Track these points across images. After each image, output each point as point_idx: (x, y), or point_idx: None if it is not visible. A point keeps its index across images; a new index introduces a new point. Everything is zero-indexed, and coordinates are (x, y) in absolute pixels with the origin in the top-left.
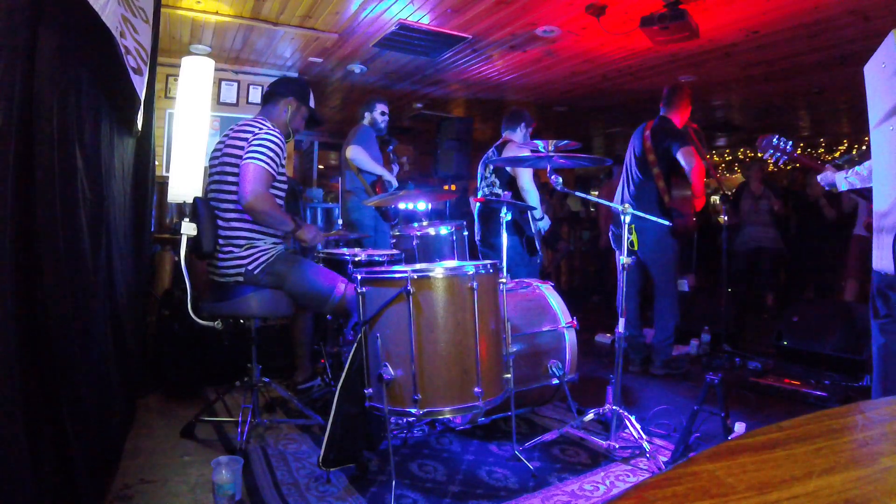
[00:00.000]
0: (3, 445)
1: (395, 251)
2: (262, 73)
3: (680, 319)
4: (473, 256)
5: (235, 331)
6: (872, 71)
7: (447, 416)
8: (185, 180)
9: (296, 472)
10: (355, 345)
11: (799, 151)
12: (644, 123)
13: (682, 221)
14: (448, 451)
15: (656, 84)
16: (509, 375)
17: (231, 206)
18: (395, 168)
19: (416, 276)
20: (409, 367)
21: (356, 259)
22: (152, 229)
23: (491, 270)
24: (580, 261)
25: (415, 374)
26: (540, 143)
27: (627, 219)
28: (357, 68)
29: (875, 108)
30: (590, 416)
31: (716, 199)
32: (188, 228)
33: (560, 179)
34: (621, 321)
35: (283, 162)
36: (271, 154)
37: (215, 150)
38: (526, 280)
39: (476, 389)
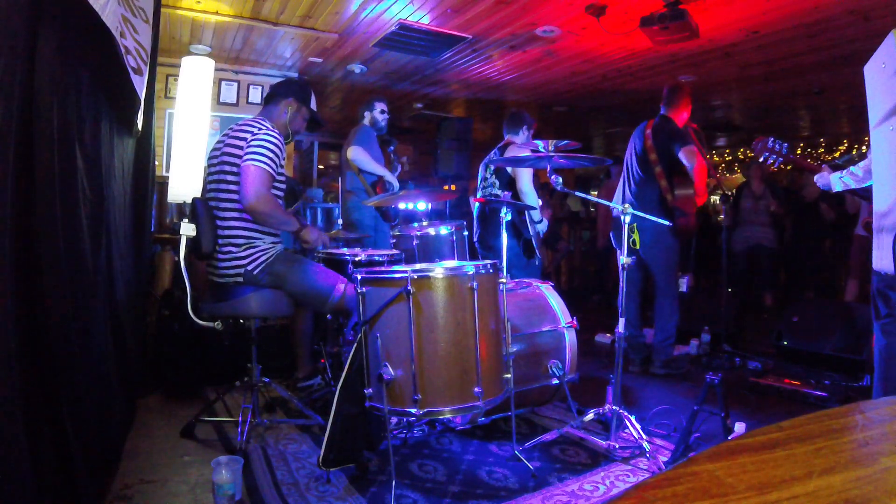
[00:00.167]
0: (3, 445)
1: (395, 251)
2: (262, 73)
3: (680, 319)
4: (473, 257)
5: (235, 331)
6: (872, 71)
7: (447, 416)
8: (184, 180)
9: (296, 472)
10: (355, 345)
11: (798, 152)
12: (644, 123)
13: (685, 221)
14: (448, 451)
15: (656, 84)
16: (509, 375)
17: (230, 206)
18: (397, 168)
19: (416, 276)
20: (409, 367)
21: (356, 259)
22: (152, 229)
23: (491, 270)
24: (580, 261)
25: (415, 374)
26: (540, 144)
27: (627, 219)
28: (357, 68)
29: (875, 108)
30: (590, 416)
31: (715, 199)
32: (187, 229)
33: (560, 179)
34: (621, 321)
35: (283, 162)
36: (271, 155)
37: (214, 150)
38: (526, 280)
39: (476, 389)
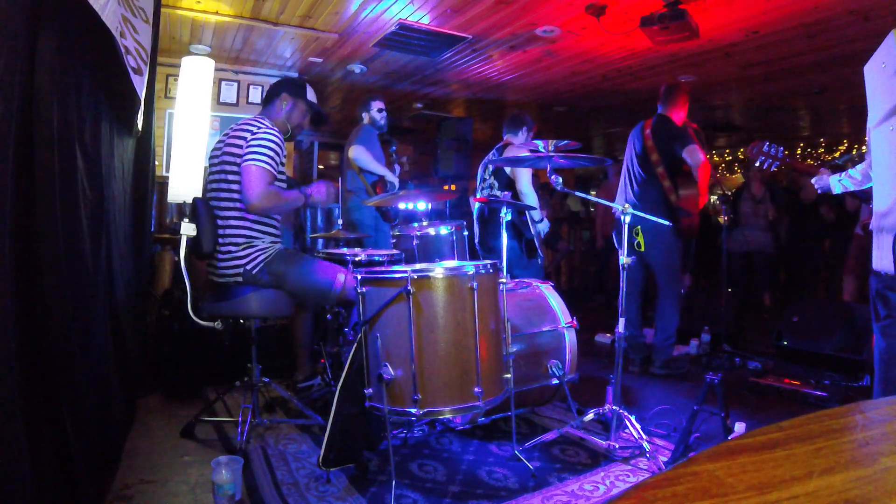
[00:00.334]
0: (3, 445)
1: (395, 251)
2: (262, 73)
3: (680, 319)
4: (474, 257)
5: (235, 331)
6: (872, 71)
7: (447, 416)
8: (185, 180)
9: (296, 472)
10: (355, 345)
11: (798, 153)
12: (642, 122)
13: (689, 220)
14: (448, 451)
15: (656, 84)
16: (509, 375)
17: (230, 206)
18: (397, 169)
19: (416, 276)
20: (409, 367)
21: (356, 259)
22: (152, 229)
23: (491, 270)
24: (580, 261)
25: (415, 374)
26: (540, 144)
27: (627, 219)
28: (357, 68)
29: (875, 108)
30: (590, 416)
31: (715, 199)
32: (187, 229)
33: (560, 179)
34: (621, 321)
35: (283, 161)
36: (270, 153)
37: (214, 150)
38: (526, 280)
39: (476, 389)
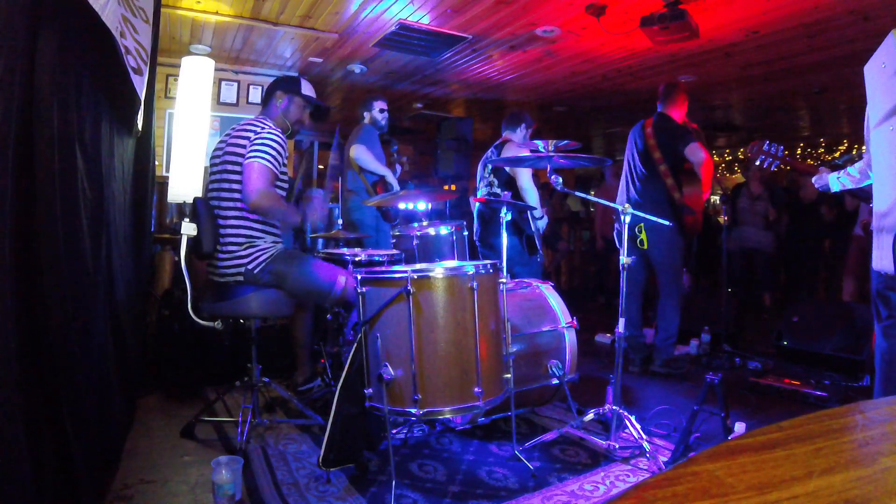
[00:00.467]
0: (3, 445)
1: (395, 251)
2: (262, 73)
3: (680, 319)
4: (473, 257)
5: (235, 331)
6: (872, 71)
7: (447, 416)
8: (185, 180)
9: (296, 472)
10: (355, 345)
11: (798, 152)
12: (642, 122)
13: (692, 218)
14: (448, 451)
15: (656, 84)
16: (509, 375)
17: (231, 206)
18: (398, 169)
19: (416, 276)
20: (409, 367)
21: (356, 259)
22: (152, 229)
23: (491, 270)
24: (580, 261)
25: (415, 374)
26: (540, 143)
27: (627, 219)
28: (357, 68)
29: (875, 108)
30: (590, 416)
31: (715, 198)
32: (188, 228)
33: (560, 179)
34: (621, 321)
35: (285, 161)
36: (273, 153)
37: (216, 150)
38: (526, 280)
39: (476, 389)
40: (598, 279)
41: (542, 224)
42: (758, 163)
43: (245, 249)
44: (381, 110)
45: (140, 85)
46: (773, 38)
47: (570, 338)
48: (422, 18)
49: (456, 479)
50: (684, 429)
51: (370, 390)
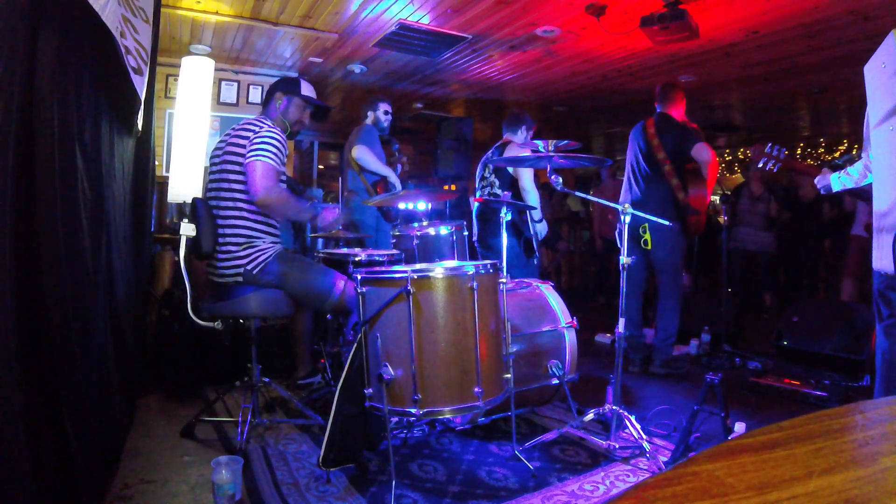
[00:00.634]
0: (3, 445)
1: (394, 251)
2: (262, 73)
3: (680, 319)
4: (473, 257)
5: (235, 331)
6: (872, 71)
7: (447, 416)
8: (185, 180)
9: (296, 472)
10: (355, 345)
11: (798, 152)
12: (643, 122)
13: (697, 218)
14: (448, 451)
15: (656, 84)
16: (509, 375)
17: (230, 206)
18: (398, 168)
19: (416, 276)
20: (409, 367)
21: (356, 259)
22: (152, 229)
23: (491, 270)
24: (580, 261)
25: (415, 374)
26: (540, 143)
27: (628, 219)
28: (357, 68)
29: (875, 108)
30: (590, 416)
31: (715, 199)
32: (187, 229)
33: (560, 179)
34: (621, 321)
35: (285, 160)
36: (274, 150)
37: (216, 150)
38: (526, 280)
39: (476, 389)
40: (598, 279)
41: (542, 228)
42: (760, 165)
43: (244, 250)
44: (386, 112)
45: (140, 85)
46: (773, 38)
47: (570, 338)
48: (422, 18)
49: (456, 479)
50: (684, 429)
51: (370, 390)
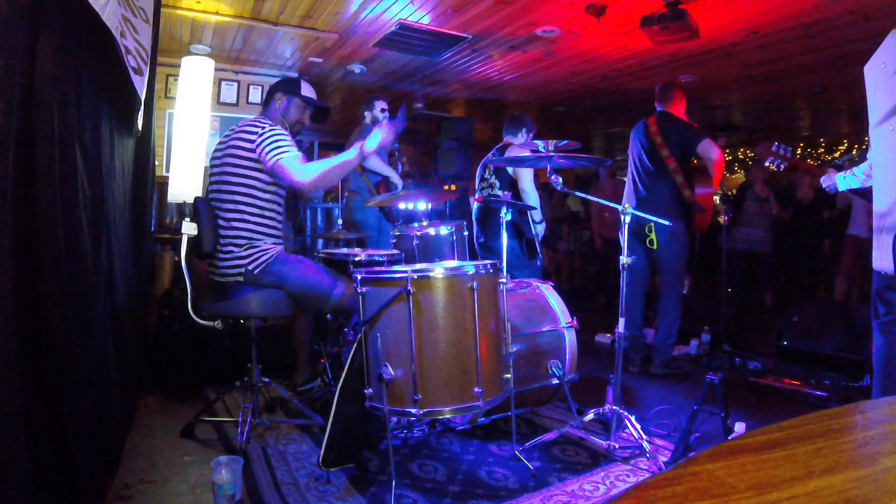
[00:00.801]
0: (3, 445)
1: (394, 251)
2: (262, 73)
3: (680, 319)
4: (473, 257)
5: (235, 331)
6: (872, 71)
7: (447, 416)
8: (185, 180)
9: (296, 472)
10: (355, 345)
11: (798, 152)
12: (644, 120)
13: (702, 216)
14: (448, 451)
15: (656, 84)
16: (509, 375)
17: (231, 206)
18: (399, 167)
19: (416, 276)
20: (409, 367)
21: (356, 259)
22: (152, 229)
23: (491, 270)
24: (580, 261)
25: (415, 374)
26: (540, 144)
27: (628, 219)
28: (357, 68)
29: (875, 108)
30: (590, 416)
31: (715, 198)
32: (189, 228)
33: (560, 180)
34: (621, 321)
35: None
36: (288, 142)
37: (216, 150)
38: (526, 280)
39: (476, 389)
40: (598, 279)
41: (541, 229)
42: (767, 164)
43: (245, 250)
44: (383, 110)
45: (140, 85)
46: (773, 38)
47: (570, 338)
48: (422, 18)
49: (456, 479)
50: (684, 429)
51: (370, 390)
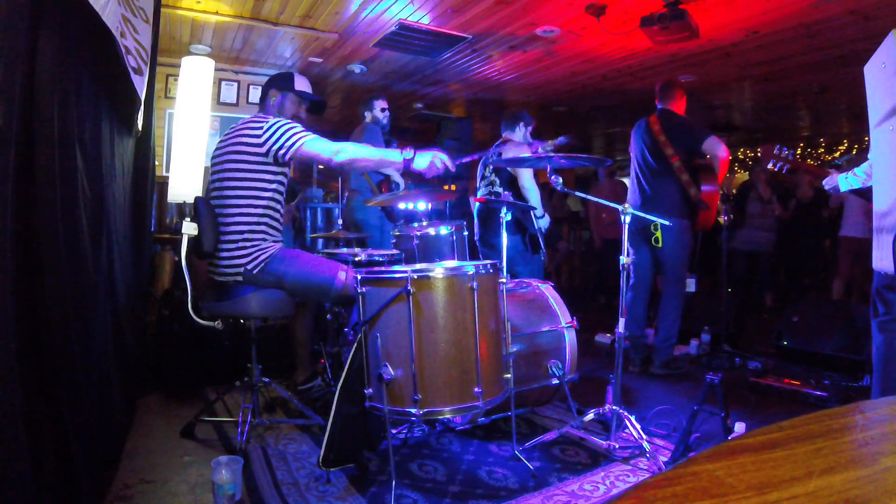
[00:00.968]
0: (3, 445)
1: (394, 251)
2: (262, 73)
3: (680, 319)
4: (473, 256)
5: (235, 331)
6: (872, 71)
7: (447, 416)
8: (185, 180)
9: (296, 472)
10: (355, 345)
11: (798, 152)
12: (645, 119)
13: (706, 214)
14: (448, 451)
15: (656, 84)
16: (509, 375)
17: (232, 205)
18: None
19: (416, 276)
20: (409, 367)
21: (356, 259)
22: (152, 229)
23: (491, 270)
24: (580, 261)
25: (415, 374)
26: (540, 148)
27: (628, 219)
28: (357, 68)
29: (875, 108)
30: (590, 416)
31: None
32: (189, 228)
33: (560, 179)
34: (621, 321)
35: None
36: (299, 127)
37: (217, 150)
38: (526, 280)
39: (476, 389)
40: (598, 279)
41: (545, 223)
42: (769, 166)
43: (245, 249)
44: (383, 109)
45: (140, 85)
46: (773, 38)
47: (570, 338)
48: (422, 18)
49: (456, 479)
50: (684, 429)
51: (370, 390)
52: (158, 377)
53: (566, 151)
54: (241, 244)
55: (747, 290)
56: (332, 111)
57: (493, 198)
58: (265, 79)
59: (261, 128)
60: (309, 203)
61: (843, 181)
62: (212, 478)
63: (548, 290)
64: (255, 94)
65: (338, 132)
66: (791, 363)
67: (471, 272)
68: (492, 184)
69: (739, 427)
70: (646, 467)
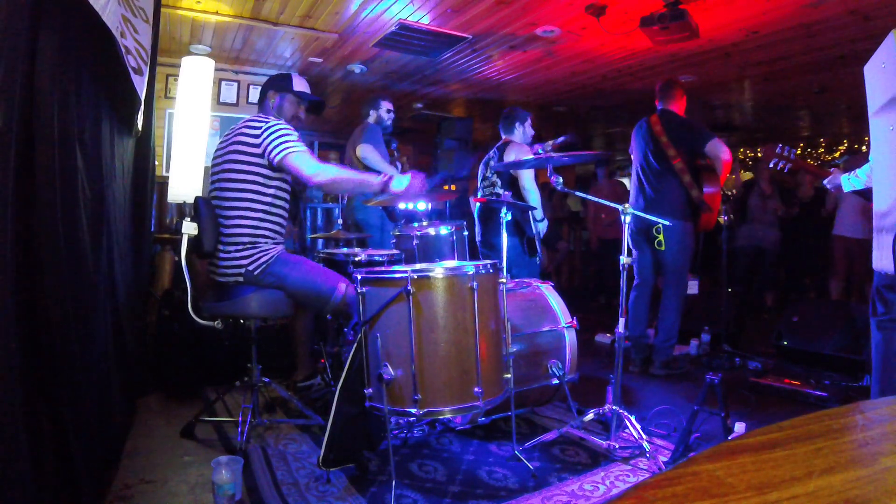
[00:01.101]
0: (3, 445)
1: (394, 251)
2: (262, 73)
3: (680, 320)
4: (473, 256)
5: (235, 331)
6: (872, 71)
7: (447, 416)
8: (185, 180)
9: (296, 472)
10: (355, 345)
11: (798, 152)
12: (645, 120)
13: (708, 215)
14: (448, 451)
15: (656, 84)
16: (509, 375)
17: (233, 206)
18: (398, 166)
19: (416, 276)
20: (409, 367)
21: (356, 259)
22: (152, 229)
23: (491, 270)
24: (580, 261)
25: (415, 374)
26: (540, 150)
27: (628, 219)
28: (357, 68)
29: (875, 108)
30: (590, 416)
31: None
32: (189, 228)
33: (560, 180)
34: (621, 321)
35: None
36: (293, 137)
37: (218, 150)
38: (526, 280)
39: (476, 389)
40: (598, 279)
41: (543, 227)
42: (771, 165)
43: (246, 250)
44: (388, 110)
45: (140, 85)
46: (773, 38)
47: (570, 338)
48: (422, 18)
49: (456, 479)
50: (684, 429)
51: (370, 390)
52: (158, 377)
53: (567, 150)
54: (242, 245)
55: (747, 290)
56: (332, 111)
57: (493, 198)
58: (265, 79)
59: (259, 128)
60: (309, 203)
61: (846, 182)
62: (212, 478)
63: (548, 290)
64: (255, 95)
65: (338, 132)
66: (791, 363)
67: (471, 272)
68: (493, 184)
69: (739, 427)
70: (646, 467)
